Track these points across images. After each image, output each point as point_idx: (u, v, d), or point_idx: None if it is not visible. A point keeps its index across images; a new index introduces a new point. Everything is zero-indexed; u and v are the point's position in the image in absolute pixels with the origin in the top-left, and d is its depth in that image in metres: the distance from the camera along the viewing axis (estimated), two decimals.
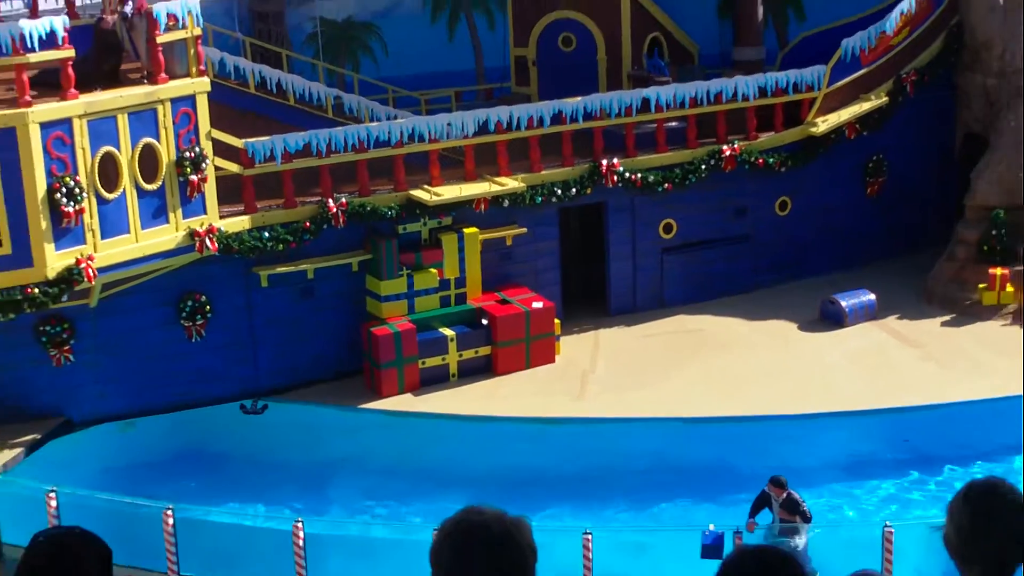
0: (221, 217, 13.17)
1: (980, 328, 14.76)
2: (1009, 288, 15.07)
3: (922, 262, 16.15)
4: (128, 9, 12.58)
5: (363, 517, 11.99)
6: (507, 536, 2.28)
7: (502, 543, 2.27)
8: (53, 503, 10.91)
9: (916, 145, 16.87)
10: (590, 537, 10.02)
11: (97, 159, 12.00)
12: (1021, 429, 11.08)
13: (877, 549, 9.89)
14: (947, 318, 15.14)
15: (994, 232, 15.36)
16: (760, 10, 17.94)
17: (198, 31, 12.71)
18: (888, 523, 10.04)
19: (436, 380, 13.73)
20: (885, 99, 16.38)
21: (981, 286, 15.20)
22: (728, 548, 9.76)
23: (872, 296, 15.25)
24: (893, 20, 16.26)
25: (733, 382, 13.64)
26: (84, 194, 11.87)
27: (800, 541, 10.43)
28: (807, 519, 10.55)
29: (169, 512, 10.55)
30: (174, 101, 12.49)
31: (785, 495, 10.56)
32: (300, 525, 10.35)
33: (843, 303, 15.07)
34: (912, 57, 16.64)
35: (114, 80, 12.43)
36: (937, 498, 11.75)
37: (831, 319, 15.12)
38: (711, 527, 10.01)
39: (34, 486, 11.20)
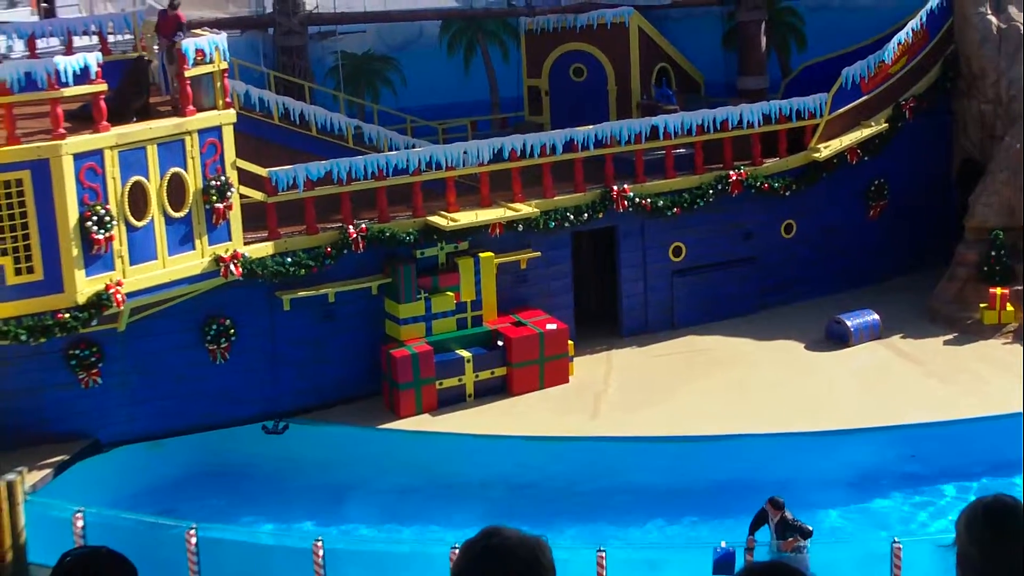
0: (245, 243, 13.52)
1: (982, 347, 15.08)
2: (1009, 307, 15.40)
3: (924, 282, 16.47)
4: (177, 38, 12.95)
5: (382, 534, 12.21)
6: (535, 561, 2.30)
7: (530, 568, 2.29)
8: (80, 523, 11.13)
9: (916, 169, 17.24)
10: (604, 554, 10.21)
11: (127, 188, 12.37)
12: (1023, 446, 11.28)
13: (886, 565, 10.09)
14: (950, 337, 15.45)
15: (993, 253, 15.70)
16: (763, 41, 18.40)
17: (225, 65, 13.12)
18: (896, 539, 10.23)
19: (453, 400, 14.05)
20: (885, 125, 16.81)
21: (982, 305, 15.52)
22: (739, 564, 9.98)
23: (876, 316, 15.53)
24: (891, 49, 16.70)
25: (742, 401, 13.92)
26: (114, 222, 12.22)
27: (803, 558, 10.46)
28: (806, 534, 10.54)
29: (192, 531, 10.78)
30: (201, 132, 12.87)
31: (779, 516, 10.56)
32: (320, 543, 10.56)
33: (848, 323, 15.36)
34: (910, 85, 17.07)
35: (146, 114, 12.82)
36: (944, 513, 11.97)
37: (837, 338, 15.41)
38: (722, 544, 10.23)
39: (62, 506, 11.43)
